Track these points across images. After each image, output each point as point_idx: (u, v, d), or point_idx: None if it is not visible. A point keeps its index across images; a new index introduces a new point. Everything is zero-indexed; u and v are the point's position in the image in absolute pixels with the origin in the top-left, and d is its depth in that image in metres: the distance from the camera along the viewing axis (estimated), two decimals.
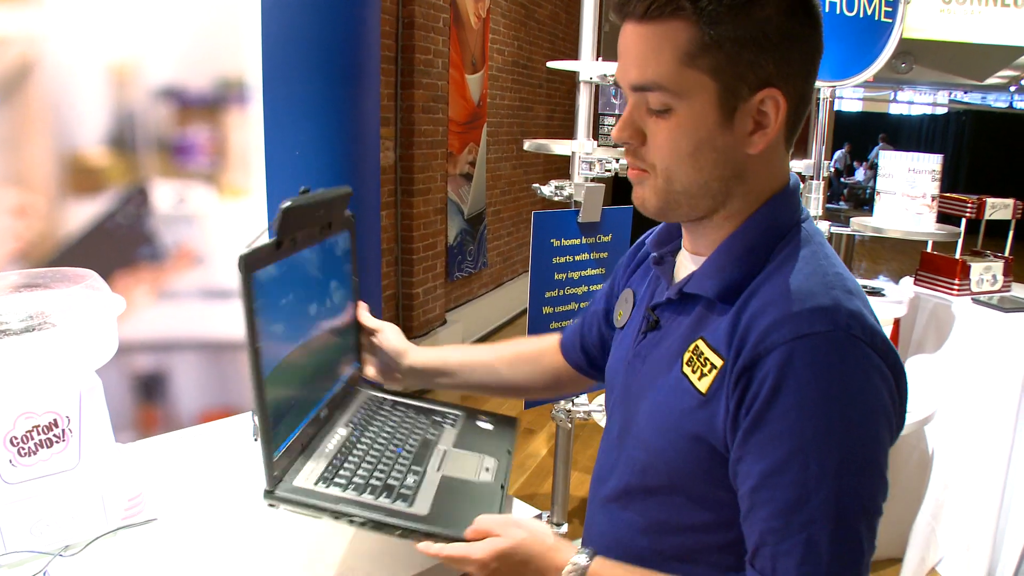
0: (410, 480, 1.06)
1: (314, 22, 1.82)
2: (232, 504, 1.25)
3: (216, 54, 1.69)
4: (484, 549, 0.94)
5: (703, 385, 0.91)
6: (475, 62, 5.68)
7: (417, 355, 1.30)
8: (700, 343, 0.93)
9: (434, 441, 1.18)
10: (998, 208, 3.06)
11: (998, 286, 3.03)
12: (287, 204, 1.02)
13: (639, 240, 1.21)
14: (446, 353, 1.34)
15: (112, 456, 1.19)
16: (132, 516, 1.19)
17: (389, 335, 1.30)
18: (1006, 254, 3.08)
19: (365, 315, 1.31)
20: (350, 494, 0.99)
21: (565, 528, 2.68)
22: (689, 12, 0.84)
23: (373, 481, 1.03)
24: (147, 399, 1.75)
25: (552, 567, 0.95)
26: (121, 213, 1.65)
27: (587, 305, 1.33)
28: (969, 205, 3.04)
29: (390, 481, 1.04)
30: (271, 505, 0.97)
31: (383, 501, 1.00)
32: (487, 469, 1.14)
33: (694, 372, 0.93)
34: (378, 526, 0.96)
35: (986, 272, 3.00)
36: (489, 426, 1.29)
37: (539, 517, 1.22)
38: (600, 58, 2.40)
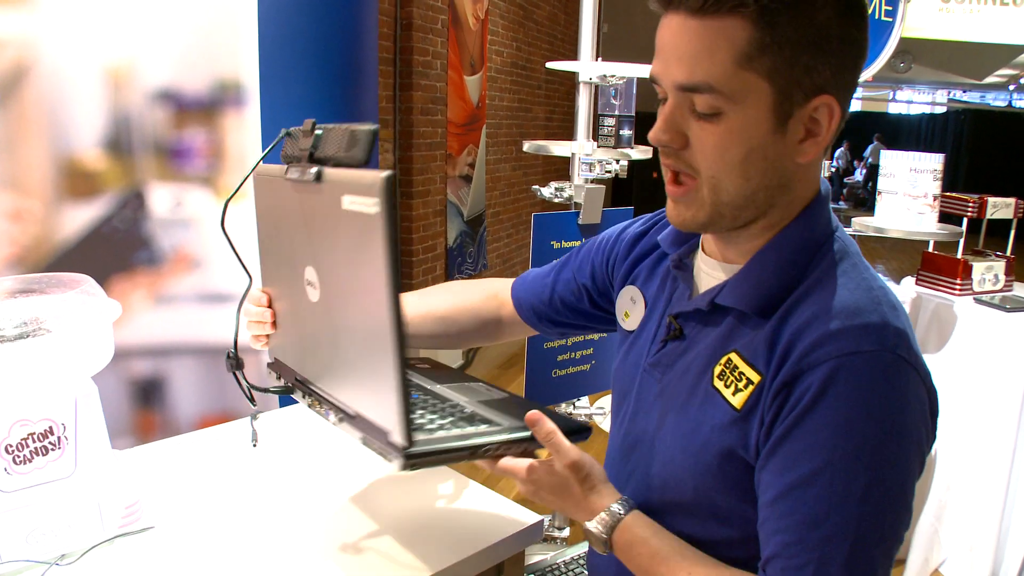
0: (468, 410, 1.05)
1: (311, 23, 1.81)
2: (231, 512, 1.24)
3: (212, 56, 1.68)
4: (567, 453, 0.96)
5: (737, 400, 0.88)
6: (474, 63, 5.66)
7: None
8: (734, 356, 0.90)
9: (418, 386, 1.18)
10: (1000, 207, 3.04)
11: (1000, 286, 3.01)
12: (373, 126, 0.96)
13: (632, 229, 1.16)
14: None
15: (109, 463, 1.17)
16: (129, 524, 1.17)
17: None
18: (1008, 253, 3.07)
19: None
20: (453, 431, 0.97)
21: (567, 532, 2.66)
22: (751, 10, 0.79)
23: (448, 418, 1.01)
24: (145, 404, 1.74)
25: (588, 508, 0.96)
26: (118, 217, 1.63)
27: (552, 270, 1.29)
28: (971, 204, 3.02)
29: (458, 414, 1.03)
30: (411, 467, 0.89)
31: (482, 428, 0.98)
32: (489, 388, 1.19)
33: (727, 386, 0.89)
34: (509, 445, 0.97)
35: (988, 272, 2.99)
36: (426, 365, 1.32)
37: (540, 523, 1.21)
38: (600, 59, 2.39)
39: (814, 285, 0.87)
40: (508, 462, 0.98)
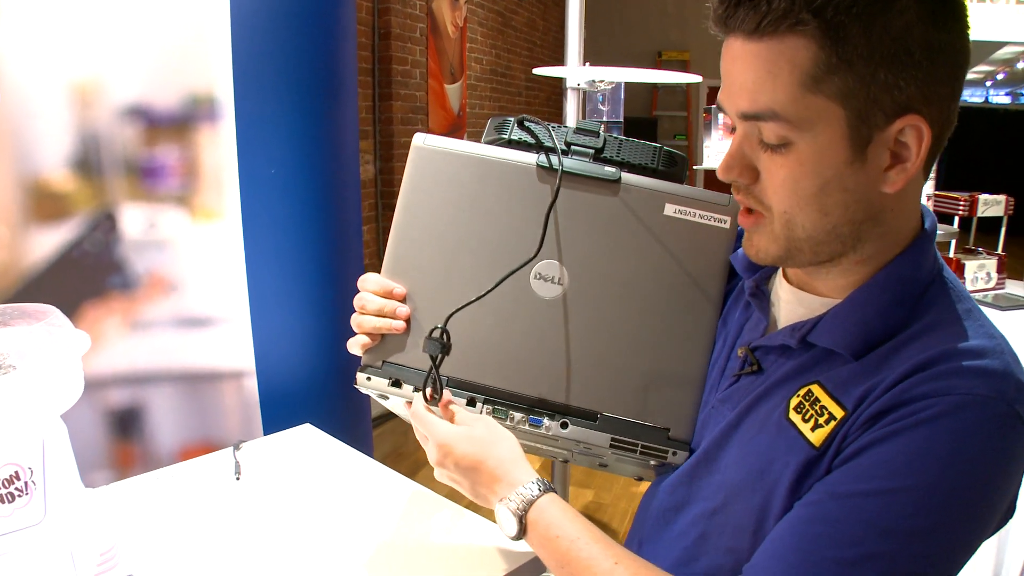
0: None
1: (287, 34, 1.74)
2: (214, 553, 1.16)
3: (184, 69, 1.61)
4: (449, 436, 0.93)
5: (816, 437, 0.79)
6: (454, 71, 5.61)
7: None
8: (816, 388, 0.81)
9: None
10: (990, 205, 3.03)
11: (992, 284, 2.99)
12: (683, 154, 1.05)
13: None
14: None
15: (82, 507, 1.10)
16: (105, 572, 1.10)
17: None
18: (999, 251, 3.04)
19: None
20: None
21: None
22: (812, 27, 0.70)
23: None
24: (122, 436, 1.66)
25: (499, 485, 0.91)
26: (88, 240, 1.56)
27: None
28: (962, 203, 3.01)
29: None
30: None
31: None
32: None
33: (805, 420, 0.80)
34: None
35: (980, 270, 2.96)
36: None
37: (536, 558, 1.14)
38: (587, 63, 2.33)
39: (929, 327, 0.79)
40: (422, 412, 0.96)
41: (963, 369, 0.73)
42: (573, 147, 1.05)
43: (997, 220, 3.09)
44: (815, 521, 0.74)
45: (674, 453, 0.98)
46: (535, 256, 0.99)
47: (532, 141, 1.06)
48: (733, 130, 0.81)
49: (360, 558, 1.15)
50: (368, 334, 1.04)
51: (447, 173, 1.06)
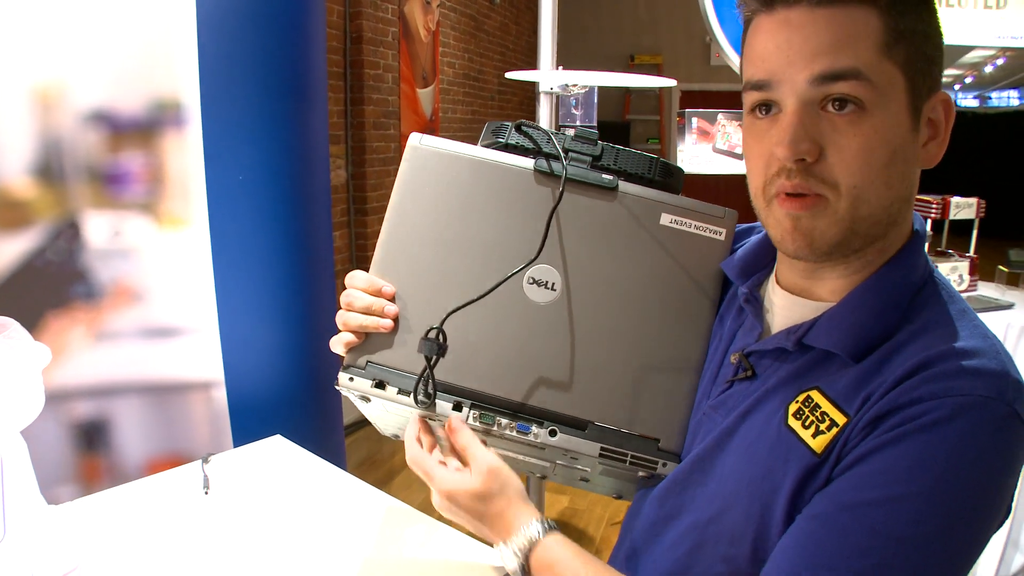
0: None
1: (255, 37, 1.71)
2: (181, 574, 1.13)
3: (149, 74, 1.58)
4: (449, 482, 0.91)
5: (817, 444, 0.78)
6: (426, 76, 5.59)
7: None
8: (815, 394, 0.80)
9: None
10: (962, 208, 3.05)
11: (964, 285, 3.02)
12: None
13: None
14: None
15: (43, 525, 1.06)
16: None
17: None
18: (971, 253, 3.07)
19: None
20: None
21: None
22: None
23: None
24: (88, 449, 1.62)
25: (502, 526, 0.89)
26: (51, 249, 1.52)
27: None
28: (934, 206, 3.03)
29: None
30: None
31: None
32: None
33: (805, 427, 0.79)
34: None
35: (952, 272, 2.99)
36: None
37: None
38: (560, 67, 2.32)
39: (923, 328, 0.79)
40: (421, 458, 0.93)
41: (962, 370, 0.73)
42: (571, 153, 1.04)
43: (969, 223, 3.12)
44: (824, 534, 0.74)
45: (664, 464, 0.97)
46: (535, 259, 0.98)
47: (530, 146, 1.05)
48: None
49: (331, 572, 1.12)
50: (353, 332, 1.01)
51: (442, 174, 1.04)
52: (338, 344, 1.02)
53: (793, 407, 0.82)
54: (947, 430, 0.71)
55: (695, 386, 0.98)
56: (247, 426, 1.71)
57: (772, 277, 0.94)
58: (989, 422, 0.71)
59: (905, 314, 0.81)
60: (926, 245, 0.87)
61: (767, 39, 0.78)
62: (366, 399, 1.02)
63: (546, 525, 0.88)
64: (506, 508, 0.90)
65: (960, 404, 0.71)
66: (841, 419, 0.77)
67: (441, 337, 0.95)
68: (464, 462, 0.93)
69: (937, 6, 0.80)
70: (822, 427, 0.78)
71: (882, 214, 0.79)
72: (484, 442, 0.94)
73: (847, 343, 0.80)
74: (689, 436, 0.97)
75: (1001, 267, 3.12)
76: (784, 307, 0.91)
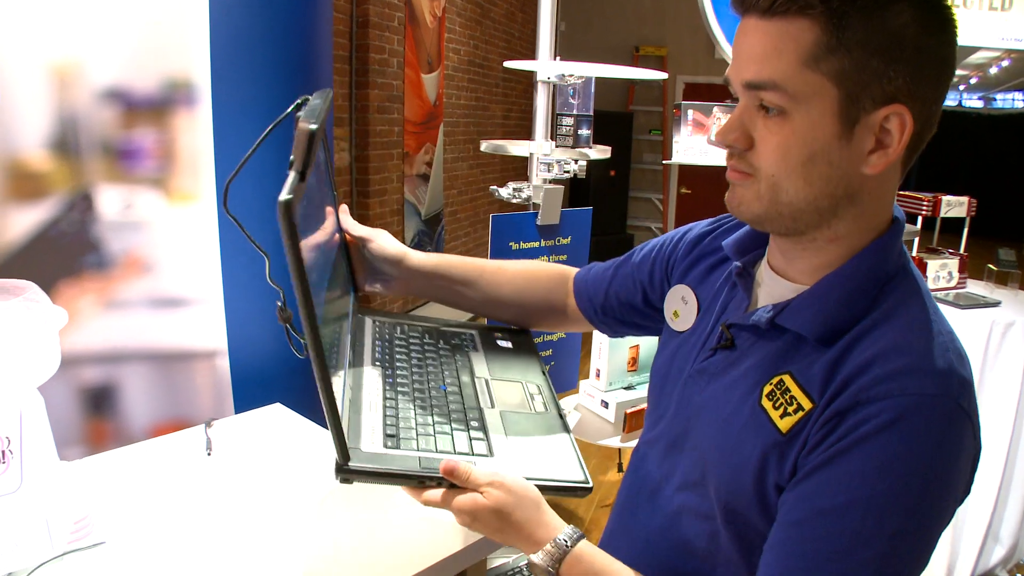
0: (475, 424, 1.01)
1: (265, 20, 1.77)
2: (184, 525, 1.20)
3: (162, 54, 1.64)
4: (470, 505, 0.91)
5: (784, 424, 0.86)
6: (431, 61, 5.63)
7: (418, 256, 1.24)
8: (787, 378, 0.88)
9: (469, 370, 1.14)
10: (953, 206, 3.10)
11: (954, 283, 3.07)
12: (313, 126, 0.86)
13: (696, 230, 1.14)
14: (448, 256, 1.28)
15: (57, 477, 1.13)
16: (79, 540, 1.13)
17: (384, 241, 1.23)
18: (961, 251, 3.12)
19: (354, 225, 1.23)
20: (425, 453, 0.92)
21: None
22: (818, 12, 0.78)
23: (439, 432, 0.96)
24: (96, 413, 1.69)
25: (531, 539, 0.92)
26: (65, 220, 1.58)
27: (613, 264, 1.27)
28: (925, 203, 3.07)
29: (456, 428, 0.98)
30: (345, 481, 0.86)
31: (462, 455, 0.94)
32: (533, 396, 1.12)
33: (776, 408, 0.87)
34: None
35: (942, 269, 3.04)
36: (508, 344, 1.26)
37: None
38: (558, 58, 2.37)
39: (881, 319, 0.85)
40: (432, 495, 0.93)
41: (912, 368, 0.80)
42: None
43: (960, 221, 3.17)
44: (804, 539, 0.81)
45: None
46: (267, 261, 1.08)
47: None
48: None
49: (327, 536, 1.19)
50: None
51: None
52: None
53: (767, 388, 0.89)
54: (903, 429, 0.78)
55: (330, 396, 0.86)
56: (248, 394, 1.78)
57: (765, 257, 1.01)
58: (939, 418, 0.78)
59: (872, 302, 0.87)
60: (903, 238, 0.92)
61: (735, 42, 0.88)
62: None
63: (574, 535, 0.92)
64: (526, 520, 0.92)
65: (912, 404, 0.78)
66: (808, 404, 0.85)
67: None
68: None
69: (932, 18, 0.80)
70: (790, 410, 0.86)
71: (805, 205, 0.85)
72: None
73: (815, 326, 0.87)
74: (677, 395, 1.04)
75: (991, 266, 3.17)
76: (768, 285, 0.98)
